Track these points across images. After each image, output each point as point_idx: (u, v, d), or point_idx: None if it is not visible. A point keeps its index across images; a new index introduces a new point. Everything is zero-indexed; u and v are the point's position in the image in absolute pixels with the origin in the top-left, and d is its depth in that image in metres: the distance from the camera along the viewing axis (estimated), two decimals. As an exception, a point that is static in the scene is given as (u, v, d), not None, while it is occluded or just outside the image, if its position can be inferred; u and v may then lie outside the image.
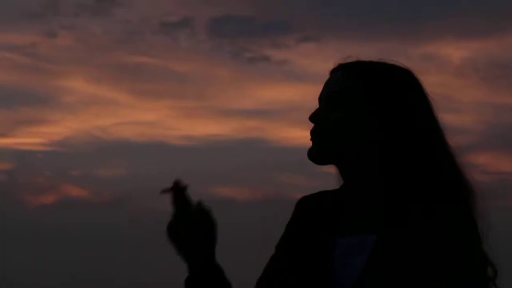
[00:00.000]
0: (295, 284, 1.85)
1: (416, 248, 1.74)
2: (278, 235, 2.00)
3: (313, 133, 1.88)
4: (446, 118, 1.90)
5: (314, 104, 1.94)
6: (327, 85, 1.92)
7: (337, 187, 1.94)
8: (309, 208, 1.95)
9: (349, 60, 1.93)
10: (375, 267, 1.75)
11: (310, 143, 1.89)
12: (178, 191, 1.89)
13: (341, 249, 1.81)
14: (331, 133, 1.86)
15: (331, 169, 1.93)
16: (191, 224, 1.89)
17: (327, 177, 1.95)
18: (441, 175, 1.81)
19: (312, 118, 1.89)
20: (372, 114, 1.84)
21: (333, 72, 1.93)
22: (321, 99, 1.92)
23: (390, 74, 1.88)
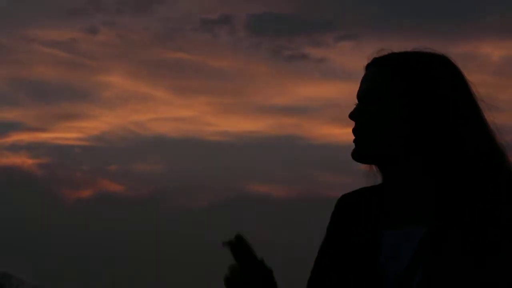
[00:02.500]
0: (343, 280, 1.84)
1: (466, 240, 1.73)
2: (316, 232, 1.99)
3: (353, 132, 1.87)
4: (486, 117, 1.88)
5: (352, 102, 1.94)
6: (362, 81, 1.92)
7: (374, 184, 1.93)
8: (351, 205, 1.94)
9: (382, 54, 1.91)
10: (425, 258, 1.74)
11: (349, 140, 1.89)
12: (239, 246, 1.86)
13: (387, 242, 1.81)
14: (368, 131, 1.85)
15: (368, 166, 1.93)
16: (251, 279, 1.85)
17: (366, 176, 1.94)
18: (485, 166, 1.79)
19: (351, 116, 1.88)
20: (403, 107, 1.83)
21: (368, 67, 1.92)
22: (358, 96, 1.91)
23: (421, 64, 1.85)
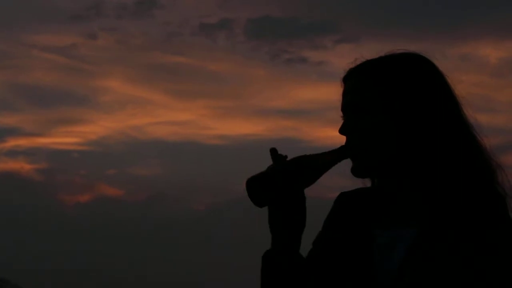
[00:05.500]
0: (335, 277, 1.85)
1: (456, 242, 1.74)
2: (312, 235, 2.00)
3: (348, 148, 1.87)
4: (482, 117, 1.89)
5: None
6: (344, 94, 1.91)
7: (371, 185, 1.94)
8: (349, 203, 1.95)
9: (357, 63, 1.91)
10: (416, 259, 1.75)
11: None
12: (277, 158, 1.85)
13: (380, 242, 1.82)
14: (364, 146, 1.85)
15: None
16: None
17: (360, 179, 1.95)
18: (469, 167, 1.80)
19: (341, 131, 1.88)
20: (390, 113, 1.83)
21: (346, 79, 1.92)
22: (343, 109, 1.90)
23: (399, 66, 1.85)
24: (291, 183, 1.82)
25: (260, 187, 1.82)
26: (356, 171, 1.89)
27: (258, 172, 1.83)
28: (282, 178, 1.81)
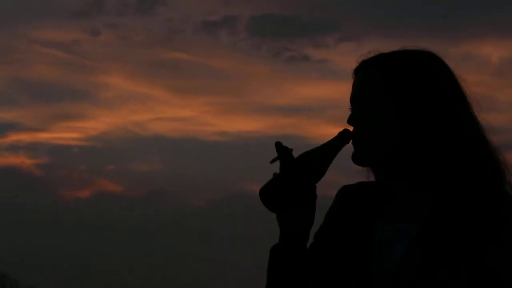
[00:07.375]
0: (336, 274, 1.86)
1: (458, 239, 1.74)
2: (315, 230, 2.00)
3: (353, 137, 1.87)
4: (483, 117, 1.89)
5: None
6: (354, 85, 1.92)
7: (373, 180, 1.94)
8: (351, 197, 1.96)
9: (370, 56, 1.91)
10: (414, 257, 1.75)
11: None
12: (283, 152, 1.86)
13: (381, 235, 1.82)
14: (366, 135, 1.85)
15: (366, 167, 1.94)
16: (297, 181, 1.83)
17: (364, 174, 1.95)
18: (476, 166, 1.80)
19: (349, 121, 1.89)
20: (395, 107, 1.83)
21: (357, 70, 1.92)
22: (352, 100, 1.91)
23: (408, 62, 1.86)
24: (301, 183, 1.84)
25: (272, 195, 1.85)
26: (357, 159, 1.89)
27: (267, 180, 1.87)
28: (291, 182, 1.84)
